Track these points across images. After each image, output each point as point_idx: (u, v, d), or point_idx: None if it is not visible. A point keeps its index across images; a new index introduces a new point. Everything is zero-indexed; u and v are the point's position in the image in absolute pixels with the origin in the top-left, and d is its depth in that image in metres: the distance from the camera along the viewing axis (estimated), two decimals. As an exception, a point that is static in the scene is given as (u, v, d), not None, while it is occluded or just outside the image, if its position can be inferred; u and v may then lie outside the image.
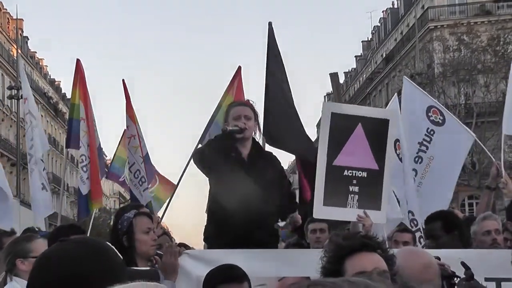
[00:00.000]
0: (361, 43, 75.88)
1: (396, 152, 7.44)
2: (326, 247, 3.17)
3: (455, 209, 9.71)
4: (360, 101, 64.24)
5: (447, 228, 5.86)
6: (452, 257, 4.38)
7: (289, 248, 6.87)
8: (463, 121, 36.90)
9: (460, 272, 4.07)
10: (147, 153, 10.23)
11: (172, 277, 4.74)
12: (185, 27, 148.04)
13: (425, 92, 9.62)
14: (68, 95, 12.87)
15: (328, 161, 5.23)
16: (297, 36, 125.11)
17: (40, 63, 71.99)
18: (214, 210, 5.45)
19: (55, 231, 5.69)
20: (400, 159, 7.41)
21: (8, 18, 60.68)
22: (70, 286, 2.05)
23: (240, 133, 5.42)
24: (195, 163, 5.64)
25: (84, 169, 9.29)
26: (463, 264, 4.17)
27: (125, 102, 9.47)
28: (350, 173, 5.28)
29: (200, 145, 6.97)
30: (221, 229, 5.35)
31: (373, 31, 69.93)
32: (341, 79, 77.84)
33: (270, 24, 7.86)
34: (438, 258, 3.90)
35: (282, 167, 5.97)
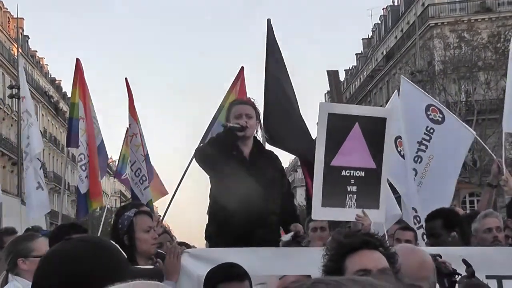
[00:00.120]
0: (362, 41, 75.88)
1: (397, 149, 7.42)
2: (327, 245, 3.17)
3: (456, 206, 9.72)
4: (361, 98, 64.25)
5: (447, 226, 5.85)
6: (453, 255, 4.37)
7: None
8: (464, 119, 37.03)
9: (462, 270, 4.07)
10: (147, 152, 10.25)
11: (174, 278, 4.74)
12: (185, 26, 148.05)
13: (423, 91, 9.61)
14: (69, 94, 12.85)
15: (326, 162, 5.23)
16: (297, 34, 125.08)
17: (41, 62, 72.04)
18: (216, 208, 5.45)
19: (56, 230, 5.68)
20: (402, 156, 7.40)
21: (8, 17, 60.70)
22: (75, 285, 2.05)
23: (241, 131, 5.42)
24: (196, 161, 5.64)
25: (83, 168, 9.30)
26: (464, 261, 4.16)
27: (127, 100, 9.49)
28: (348, 173, 5.28)
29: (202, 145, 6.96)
30: (223, 228, 5.36)
31: (374, 29, 69.91)
32: (342, 77, 77.88)
33: (269, 21, 7.83)
34: (439, 256, 3.91)
35: (282, 166, 5.97)
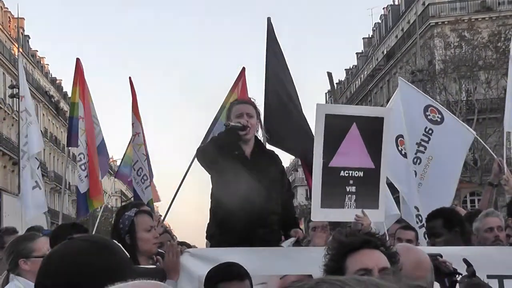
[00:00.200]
0: (362, 40, 75.87)
1: (398, 148, 7.41)
2: (328, 245, 3.16)
3: (457, 206, 9.70)
4: (361, 98, 64.26)
5: (448, 226, 5.84)
6: (454, 254, 4.37)
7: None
8: (465, 118, 37.00)
9: (463, 269, 4.06)
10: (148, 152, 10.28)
11: (174, 277, 4.73)
12: (185, 26, 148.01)
13: (422, 92, 9.59)
14: (70, 94, 12.84)
15: (324, 163, 5.22)
16: (298, 33, 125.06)
17: (42, 62, 72.06)
18: (217, 208, 5.45)
19: (57, 229, 5.69)
20: (404, 155, 7.39)
21: (9, 17, 60.72)
22: (78, 284, 2.05)
23: (243, 130, 5.42)
24: (198, 161, 5.64)
25: (83, 167, 9.32)
26: (465, 261, 4.16)
27: (131, 99, 9.53)
28: (346, 173, 5.27)
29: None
30: (224, 227, 5.35)
31: (374, 28, 69.91)
32: (342, 76, 77.90)
33: (269, 19, 7.81)
34: (440, 256, 3.90)
35: (283, 166, 5.97)
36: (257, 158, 5.52)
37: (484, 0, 49.27)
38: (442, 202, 7.12)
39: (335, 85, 9.12)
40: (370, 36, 72.85)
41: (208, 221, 5.62)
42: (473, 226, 6.03)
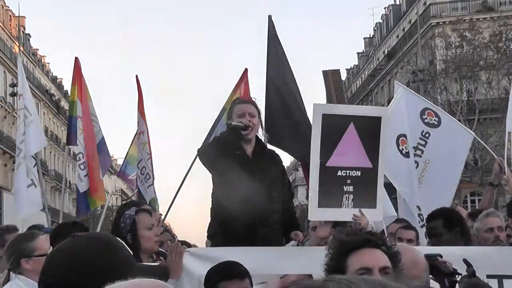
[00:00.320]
0: (363, 40, 75.89)
1: (399, 148, 7.40)
2: (329, 244, 3.17)
3: (458, 205, 9.70)
4: (362, 98, 64.27)
5: (448, 226, 5.85)
6: (454, 254, 4.37)
7: None
8: (466, 118, 36.96)
9: (463, 270, 4.07)
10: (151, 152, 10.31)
11: (175, 276, 4.74)
12: (186, 25, 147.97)
13: (418, 95, 9.58)
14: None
15: (321, 163, 5.22)
16: (299, 32, 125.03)
17: (42, 61, 72.07)
18: (218, 208, 5.45)
19: (57, 228, 5.69)
20: (405, 154, 7.38)
21: (10, 16, 60.72)
22: (84, 281, 2.06)
23: (245, 130, 5.42)
24: (200, 160, 5.64)
25: (82, 166, 9.32)
26: (465, 261, 4.16)
27: (137, 98, 9.57)
28: (344, 173, 5.27)
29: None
30: (225, 227, 5.36)
31: (375, 28, 69.92)
32: (343, 76, 77.90)
33: (270, 17, 7.79)
34: (440, 256, 3.90)
35: (284, 165, 5.97)
36: (258, 157, 5.52)
37: (485, 0, 49.26)
38: (442, 204, 7.12)
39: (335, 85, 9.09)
40: (371, 36, 72.86)
41: (209, 221, 5.62)
42: (474, 226, 6.04)
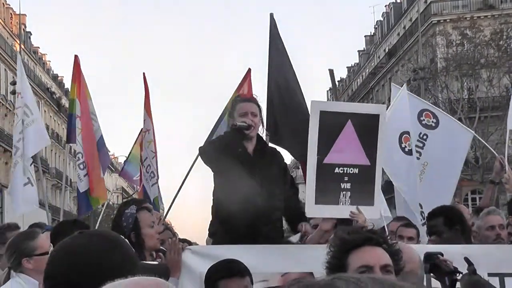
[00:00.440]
0: (364, 38, 75.82)
1: (401, 145, 7.39)
2: (331, 242, 3.17)
3: (459, 203, 9.68)
4: (363, 96, 64.23)
5: (449, 224, 5.85)
6: (455, 253, 4.37)
7: None
8: (466, 116, 36.89)
9: (464, 268, 4.06)
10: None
11: (176, 274, 4.74)
12: (188, 26, 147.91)
13: (416, 96, 9.57)
14: (71, 91, 12.82)
15: (319, 160, 5.22)
16: (300, 31, 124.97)
17: (43, 58, 72.07)
18: (220, 205, 5.45)
19: (58, 226, 5.69)
20: (407, 152, 7.36)
21: (11, 13, 60.72)
22: (90, 278, 2.06)
23: (248, 129, 5.43)
24: (201, 159, 5.64)
25: (81, 166, 9.31)
26: (466, 259, 4.16)
27: (144, 96, 9.59)
28: (341, 170, 5.27)
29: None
30: (227, 225, 5.36)
31: (376, 26, 69.88)
32: (344, 74, 77.85)
33: (271, 15, 7.79)
34: (441, 254, 3.90)
35: (285, 162, 5.97)
36: (259, 155, 5.52)
37: (486, -2, 49.25)
38: (440, 204, 7.13)
39: (337, 82, 9.11)
40: (372, 34, 72.80)
41: (210, 219, 5.62)
42: (475, 224, 6.03)
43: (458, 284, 3.98)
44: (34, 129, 9.29)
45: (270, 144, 6.44)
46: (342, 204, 5.28)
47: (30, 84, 10.50)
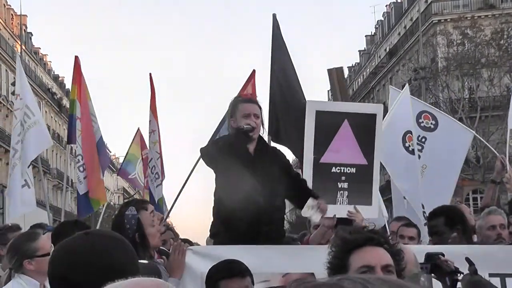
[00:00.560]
0: (365, 38, 75.82)
1: (405, 145, 7.37)
2: (332, 242, 3.17)
3: (461, 203, 9.67)
4: (364, 95, 64.24)
5: (450, 224, 5.84)
6: (456, 253, 4.37)
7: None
8: (467, 115, 36.85)
9: (465, 268, 4.07)
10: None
11: (178, 275, 4.74)
12: (189, 25, 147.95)
13: (415, 97, 9.56)
14: (72, 91, 12.82)
15: (315, 159, 5.21)
16: (300, 31, 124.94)
17: (44, 59, 72.11)
18: (221, 206, 5.44)
19: (59, 226, 5.69)
20: (411, 151, 7.34)
21: (12, 14, 60.77)
22: (86, 280, 2.07)
23: (252, 132, 5.43)
24: (203, 159, 5.64)
25: (81, 168, 9.29)
26: (467, 259, 4.16)
27: (150, 96, 9.59)
28: (338, 169, 5.26)
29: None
30: (228, 225, 5.35)
31: (377, 26, 69.88)
32: (345, 74, 77.92)
33: (274, 16, 7.81)
34: (442, 254, 3.90)
35: (288, 160, 5.95)
36: (260, 155, 5.51)
37: (487, -3, 49.24)
38: (439, 203, 7.13)
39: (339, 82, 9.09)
40: (372, 33, 72.80)
41: (211, 219, 5.62)
42: (476, 224, 6.03)
43: (459, 284, 3.99)
44: (36, 131, 9.25)
45: (272, 144, 6.45)
46: (340, 203, 5.27)
47: (31, 84, 10.48)
